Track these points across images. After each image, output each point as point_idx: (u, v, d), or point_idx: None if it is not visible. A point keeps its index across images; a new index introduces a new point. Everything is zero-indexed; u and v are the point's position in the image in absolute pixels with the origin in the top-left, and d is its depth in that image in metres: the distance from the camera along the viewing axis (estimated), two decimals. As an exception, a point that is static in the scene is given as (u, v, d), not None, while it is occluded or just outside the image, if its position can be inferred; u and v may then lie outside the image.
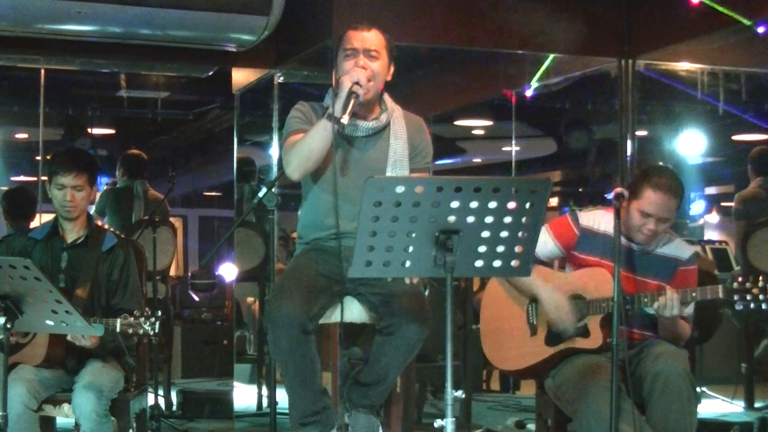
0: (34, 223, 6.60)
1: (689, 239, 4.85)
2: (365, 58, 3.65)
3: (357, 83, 3.54)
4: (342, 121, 3.49)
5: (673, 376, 3.69)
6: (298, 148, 3.65)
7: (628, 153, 6.48)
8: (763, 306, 3.63)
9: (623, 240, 3.90)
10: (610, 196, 3.82)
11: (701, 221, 9.82)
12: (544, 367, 3.99)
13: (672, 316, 3.74)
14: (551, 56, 6.68)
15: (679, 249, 4.00)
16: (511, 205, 2.82)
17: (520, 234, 2.89)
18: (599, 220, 4.00)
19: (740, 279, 3.69)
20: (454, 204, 2.80)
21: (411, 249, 2.87)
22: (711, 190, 11.26)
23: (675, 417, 3.67)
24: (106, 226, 4.55)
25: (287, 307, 3.48)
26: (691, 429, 3.71)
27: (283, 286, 3.58)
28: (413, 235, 2.84)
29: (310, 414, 3.61)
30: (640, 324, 3.94)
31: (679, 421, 3.67)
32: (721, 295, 3.67)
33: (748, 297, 3.64)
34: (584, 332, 3.89)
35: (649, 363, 3.78)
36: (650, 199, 3.81)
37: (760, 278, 3.67)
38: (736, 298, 3.65)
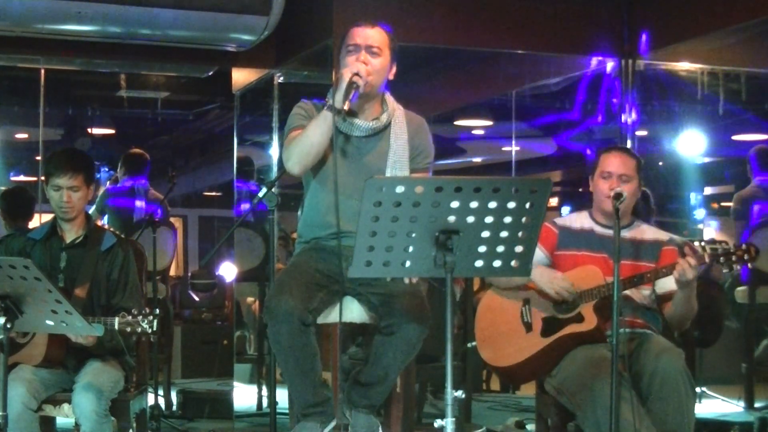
0: (33, 223, 6.61)
1: (690, 239, 4.85)
2: (367, 54, 3.66)
3: (357, 74, 3.55)
4: (344, 108, 3.50)
5: (671, 373, 3.72)
6: (298, 141, 3.66)
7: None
8: (750, 265, 3.78)
9: (604, 230, 4.07)
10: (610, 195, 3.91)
11: (701, 225, 9.82)
12: (542, 359, 4.01)
13: (693, 278, 3.79)
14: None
15: (656, 233, 4.15)
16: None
17: (520, 234, 2.89)
18: (573, 218, 4.21)
19: (725, 246, 3.82)
20: (454, 204, 2.80)
21: (411, 249, 2.87)
22: (711, 190, 11.24)
23: (673, 414, 3.69)
24: (106, 226, 4.56)
25: (287, 301, 3.49)
26: (689, 427, 3.73)
27: (283, 282, 3.59)
28: (413, 235, 2.84)
29: (310, 405, 3.62)
30: (632, 314, 3.99)
31: (677, 419, 3.70)
32: (707, 259, 3.77)
33: (734, 258, 3.76)
34: (578, 319, 3.95)
35: (647, 360, 3.80)
36: (606, 159, 4.05)
37: (745, 244, 3.81)
38: (722, 260, 3.77)
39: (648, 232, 4.14)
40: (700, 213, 9.93)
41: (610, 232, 3.98)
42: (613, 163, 4.02)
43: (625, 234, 4.03)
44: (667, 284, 3.97)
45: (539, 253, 4.03)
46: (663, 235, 4.15)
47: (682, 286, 3.84)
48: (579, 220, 4.17)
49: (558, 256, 4.12)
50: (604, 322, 3.89)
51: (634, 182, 4.03)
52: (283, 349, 3.54)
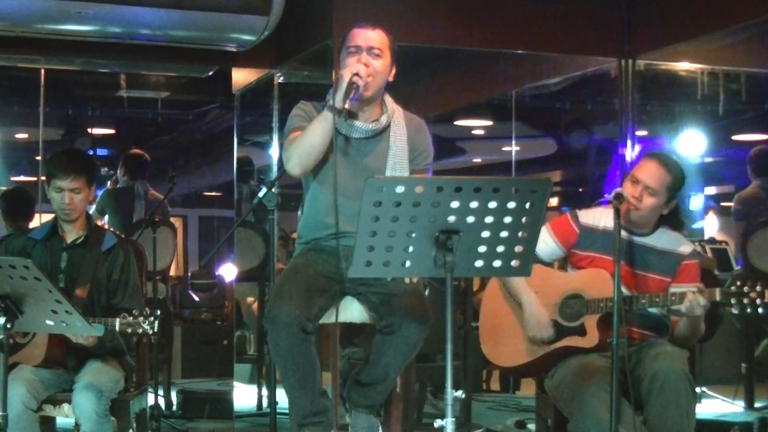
0: (33, 223, 6.61)
1: (690, 239, 4.84)
2: (368, 56, 3.66)
3: (356, 74, 3.55)
4: (345, 107, 3.50)
5: (671, 376, 3.68)
6: (298, 142, 3.65)
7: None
8: (760, 310, 3.64)
9: (627, 234, 3.94)
10: (609, 196, 3.85)
11: (701, 223, 9.81)
12: (539, 365, 4.00)
13: (701, 314, 3.74)
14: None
15: (679, 244, 4.00)
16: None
17: (520, 234, 2.89)
18: (598, 216, 4.04)
19: (738, 282, 3.69)
20: (454, 204, 2.80)
21: (411, 249, 2.87)
22: (711, 190, 11.25)
23: (672, 417, 3.66)
24: (106, 226, 4.56)
25: (287, 308, 3.48)
26: (689, 429, 3.71)
27: (283, 288, 3.57)
28: (413, 235, 2.84)
29: (309, 415, 3.61)
30: (639, 323, 3.95)
31: (677, 422, 3.67)
32: (717, 298, 3.68)
33: (746, 300, 3.64)
34: (581, 331, 3.90)
35: (647, 363, 3.78)
36: (642, 165, 3.92)
37: (759, 284, 3.67)
38: (733, 301, 3.65)
39: (670, 241, 3.99)
40: (697, 201, 9.92)
41: (632, 237, 3.92)
42: (645, 171, 3.89)
43: (646, 241, 3.96)
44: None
45: (555, 247, 4.01)
46: (686, 247, 4.00)
47: (689, 317, 3.80)
48: (604, 219, 4.01)
49: (575, 254, 4.03)
50: (606, 339, 3.77)
51: (659, 198, 3.89)
52: (283, 357, 3.54)
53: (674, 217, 4.07)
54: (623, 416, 3.59)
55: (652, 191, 3.87)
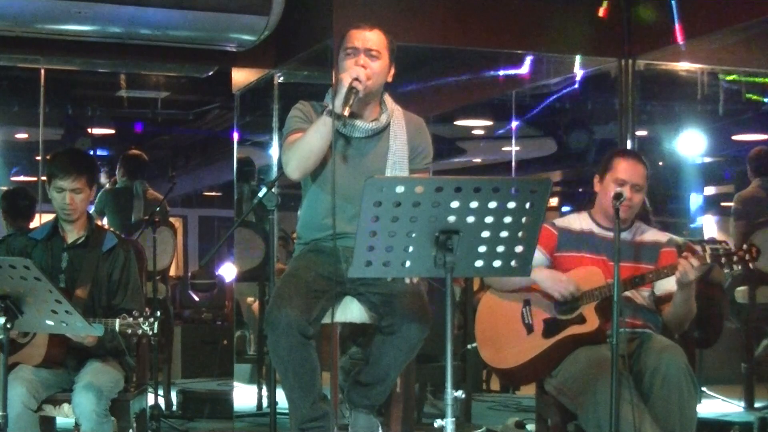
0: (34, 223, 6.60)
1: (690, 239, 4.85)
2: (366, 57, 3.66)
3: (356, 79, 3.54)
4: (344, 113, 3.49)
5: (673, 371, 3.72)
6: (297, 146, 3.64)
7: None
8: (751, 266, 3.78)
9: (604, 232, 4.06)
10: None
11: (701, 220, 9.81)
12: (544, 361, 4.01)
13: (694, 279, 3.79)
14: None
15: (656, 235, 4.15)
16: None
17: (520, 234, 2.90)
18: (573, 220, 4.18)
19: (726, 247, 3.82)
20: (454, 204, 2.80)
21: (411, 249, 2.87)
22: (711, 190, 11.26)
23: (675, 412, 3.70)
24: (107, 226, 4.56)
25: (287, 313, 3.47)
26: (691, 424, 3.73)
27: (283, 291, 3.57)
28: (413, 235, 2.84)
29: (309, 420, 3.61)
30: (632, 315, 3.98)
31: (679, 416, 3.70)
32: (708, 260, 3.75)
33: (735, 258, 3.76)
34: (580, 320, 3.95)
35: (648, 358, 3.81)
36: (622, 166, 4.01)
37: (744, 245, 3.81)
38: (723, 261, 3.76)
39: (647, 233, 4.13)
40: (696, 200, 9.93)
41: (609, 234, 3.98)
42: (628, 171, 3.99)
43: (625, 236, 4.03)
44: (665, 286, 3.98)
45: (539, 255, 4.03)
46: (662, 237, 4.14)
47: (682, 286, 3.84)
48: (579, 222, 4.16)
49: (557, 257, 4.11)
50: (606, 323, 3.88)
51: (644, 192, 4.05)
52: (283, 362, 3.54)
53: (642, 208, 4.21)
54: (628, 403, 3.60)
55: (639, 187, 4.01)
